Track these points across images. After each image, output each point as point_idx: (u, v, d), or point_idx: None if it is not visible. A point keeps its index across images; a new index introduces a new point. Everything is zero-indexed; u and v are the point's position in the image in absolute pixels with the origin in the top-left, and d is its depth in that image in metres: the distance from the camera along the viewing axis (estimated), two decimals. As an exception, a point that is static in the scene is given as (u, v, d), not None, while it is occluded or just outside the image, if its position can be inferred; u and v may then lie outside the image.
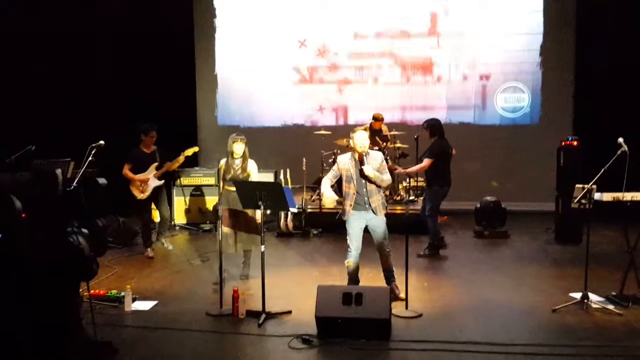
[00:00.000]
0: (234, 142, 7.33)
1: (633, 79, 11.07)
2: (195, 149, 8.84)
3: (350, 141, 6.66)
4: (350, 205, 6.59)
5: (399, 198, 10.79)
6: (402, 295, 6.56)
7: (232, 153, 7.36)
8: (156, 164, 8.73)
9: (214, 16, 13.14)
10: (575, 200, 6.54)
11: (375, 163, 6.55)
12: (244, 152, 7.38)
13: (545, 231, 10.08)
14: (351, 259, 6.75)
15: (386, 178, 6.58)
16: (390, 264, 6.79)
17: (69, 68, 11.90)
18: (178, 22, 12.63)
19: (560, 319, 6.19)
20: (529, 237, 10.06)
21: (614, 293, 6.63)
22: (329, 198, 6.72)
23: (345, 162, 6.64)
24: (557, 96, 12.29)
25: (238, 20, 13.12)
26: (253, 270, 7.41)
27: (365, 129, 10.95)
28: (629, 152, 6.38)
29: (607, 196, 6.56)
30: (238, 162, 7.37)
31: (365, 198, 6.54)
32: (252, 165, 7.46)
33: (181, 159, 8.68)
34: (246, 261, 7.63)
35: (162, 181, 8.83)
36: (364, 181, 6.52)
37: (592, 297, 6.52)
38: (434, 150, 8.66)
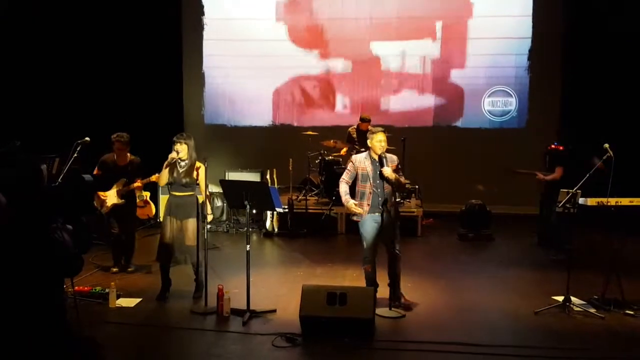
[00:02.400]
0: (174, 142, 6.76)
1: (620, 84, 11.16)
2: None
3: (369, 141, 6.58)
4: (368, 204, 6.48)
5: None
6: (408, 300, 6.58)
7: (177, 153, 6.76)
8: (124, 180, 7.82)
9: (202, 14, 13.11)
10: (560, 205, 6.60)
11: (393, 164, 6.48)
12: (189, 155, 6.81)
13: (530, 235, 10.13)
14: (369, 264, 6.60)
15: (405, 180, 6.53)
16: (400, 270, 6.63)
17: (55, 63, 11.83)
18: (166, 20, 12.59)
19: (542, 321, 6.24)
20: (513, 240, 10.13)
21: (596, 297, 6.69)
22: (352, 207, 6.54)
23: (361, 160, 6.59)
24: (544, 101, 12.36)
25: (226, 18, 13.09)
26: (238, 270, 7.34)
27: (352, 130, 11.19)
28: (614, 158, 6.48)
29: (592, 201, 6.61)
30: (183, 164, 6.79)
31: (380, 199, 6.42)
32: (200, 170, 6.83)
33: (145, 181, 7.74)
34: (198, 278, 6.93)
35: (122, 201, 7.84)
36: (379, 181, 6.43)
37: (574, 300, 6.57)
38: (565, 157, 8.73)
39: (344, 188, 6.67)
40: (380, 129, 6.62)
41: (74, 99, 11.82)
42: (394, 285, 6.62)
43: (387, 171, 6.36)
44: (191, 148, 6.84)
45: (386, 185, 6.44)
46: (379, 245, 6.58)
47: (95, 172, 7.90)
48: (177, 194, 6.84)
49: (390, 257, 6.59)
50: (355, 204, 6.51)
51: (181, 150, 6.74)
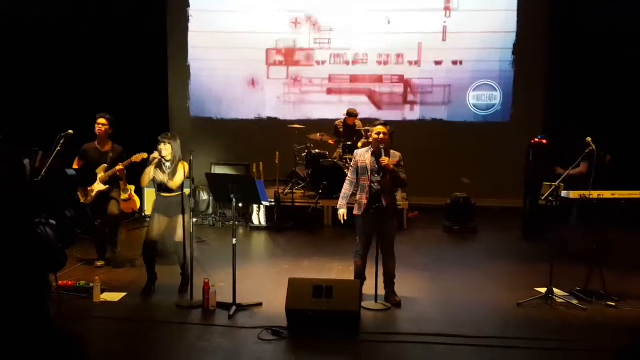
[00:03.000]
0: (159, 144, 6.65)
1: (603, 80, 11.24)
2: (144, 155, 7.46)
3: (370, 136, 6.60)
4: (366, 198, 6.45)
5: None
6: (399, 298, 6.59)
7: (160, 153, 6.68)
8: (105, 165, 7.70)
9: (188, 5, 13.04)
10: (543, 198, 6.66)
11: (394, 160, 6.43)
12: (174, 155, 6.70)
13: (514, 228, 10.20)
14: (360, 258, 6.61)
15: (404, 176, 6.44)
16: (393, 269, 6.62)
17: (38, 55, 11.73)
18: (151, 12, 12.51)
19: (525, 313, 6.32)
20: (497, 233, 10.20)
21: (578, 288, 6.77)
22: (339, 214, 6.64)
23: (362, 153, 6.57)
24: (529, 95, 12.43)
25: (212, 10, 13.04)
26: (224, 263, 7.35)
27: (338, 124, 11.21)
28: (597, 152, 6.56)
29: (574, 194, 6.68)
30: (168, 165, 6.70)
31: (379, 193, 6.40)
32: (183, 168, 6.71)
33: (126, 163, 7.61)
34: (184, 272, 6.87)
35: (107, 187, 7.72)
36: (377, 175, 6.41)
37: (557, 292, 6.64)
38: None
39: (344, 190, 6.72)
40: (381, 121, 6.61)
41: (57, 91, 11.72)
42: (388, 284, 6.62)
43: (386, 160, 6.30)
44: (176, 148, 6.73)
45: (384, 180, 6.40)
46: (372, 241, 6.59)
47: (76, 161, 7.80)
48: (165, 195, 6.78)
49: (384, 256, 6.55)
50: (343, 212, 6.61)
51: (164, 150, 6.65)
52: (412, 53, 12.70)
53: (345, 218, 6.66)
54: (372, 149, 6.52)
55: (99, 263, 7.88)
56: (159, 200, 6.85)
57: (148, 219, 10.51)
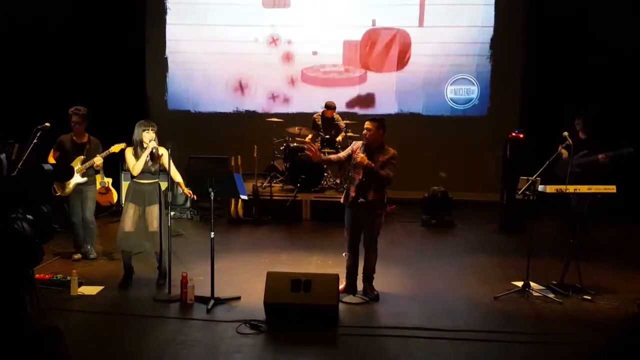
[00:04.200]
0: (144, 130, 6.67)
1: (580, 74, 11.33)
2: (122, 145, 7.35)
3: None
4: (354, 191, 6.46)
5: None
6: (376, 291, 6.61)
7: (141, 142, 6.70)
8: (82, 157, 7.59)
9: (166, -4, 12.96)
10: (520, 192, 6.72)
11: (383, 157, 6.44)
12: (152, 142, 6.70)
13: (491, 222, 10.28)
14: (347, 251, 6.67)
15: (383, 173, 6.36)
16: (373, 264, 6.63)
17: (13, 45, 11.56)
18: (128, 4, 12.38)
19: (501, 306, 6.38)
20: (474, 226, 10.27)
21: (554, 282, 6.84)
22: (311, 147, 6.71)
23: (357, 144, 6.59)
24: (506, 89, 12.52)
25: (190, 3, 12.94)
26: (202, 257, 7.28)
27: (316, 117, 11.21)
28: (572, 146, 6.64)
29: (551, 188, 6.74)
30: (141, 152, 6.70)
31: (365, 188, 6.41)
32: (164, 156, 6.72)
33: (104, 154, 7.48)
34: (161, 265, 6.88)
35: (85, 179, 7.63)
36: (360, 169, 6.41)
37: (534, 285, 6.72)
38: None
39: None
40: (370, 118, 6.62)
41: (32, 83, 11.56)
42: (366, 279, 6.65)
43: (359, 157, 6.36)
44: (157, 135, 6.76)
45: (368, 176, 6.41)
46: (358, 235, 6.61)
47: (52, 153, 7.69)
48: (141, 181, 6.74)
49: (365, 250, 6.61)
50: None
51: (152, 138, 6.67)
52: (390, 46, 12.71)
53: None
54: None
55: (76, 256, 7.83)
56: (133, 188, 6.80)
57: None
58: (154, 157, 6.71)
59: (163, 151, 6.74)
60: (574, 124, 8.39)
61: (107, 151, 7.48)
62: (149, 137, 6.66)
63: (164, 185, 6.99)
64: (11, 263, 3.93)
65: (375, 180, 6.41)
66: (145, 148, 6.68)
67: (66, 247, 8.11)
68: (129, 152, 6.75)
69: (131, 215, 6.76)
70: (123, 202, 10.32)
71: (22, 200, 3.98)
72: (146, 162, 6.69)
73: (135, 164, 6.69)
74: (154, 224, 6.72)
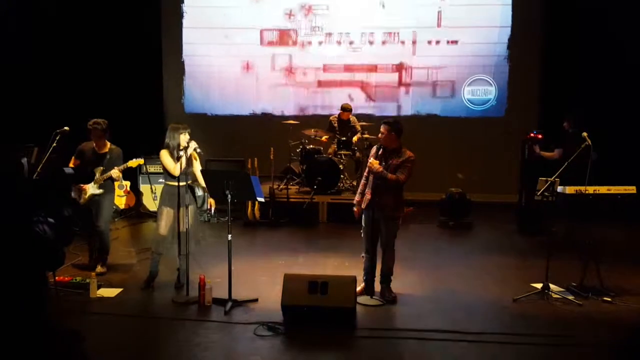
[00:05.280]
0: (180, 132, 6.75)
1: (599, 74, 11.24)
2: (140, 161, 7.61)
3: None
4: (370, 194, 6.47)
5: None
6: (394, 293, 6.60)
7: (177, 145, 6.72)
8: (101, 168, 7.45)
9: (182, 1, 12.99)
10: (539, 193, 6.67)
11: (397, 160, 6.44)
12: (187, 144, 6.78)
13: (509, 223, 10.20)
14: (365, 254, 6.68)
15: (392, 177, 6.34)
16: (390, 266, 6.62)
17: (33, 51, 11.67)
18: (145, 9, 12.46)
19: (520, 308, 6.33)
20: (492, 228, 10.20)
21: (574, 284, 6.78)
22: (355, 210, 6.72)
23: (374, 151, 6.61)
24: (524, 89, 12.43)
25: (206, 6, 13.00)
26: (219, 259, 7.27)
27: (333, 119, 11.21)
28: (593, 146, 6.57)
29: (570, 189, 6.68)
30: (182, 153, 6.71)
31: (382, 190, 6.42)
32: (196, 158, 6.91)
33: (122, 168, 7.43)
34: (181, 267, 6.83)
35: (101, 190, 7.45)
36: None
37: (553, 287, 6.66)
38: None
39: (360, 186, 6.77)
40: (385, 121, 6.62)
41: (52, 87, 11.67)
42: (383, 280, 6.64)
43: (369, 162, 6.42)
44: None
45: (380, 179, 6.40)
46: (375, 237, 6.59)
47: (72, 161, 7.56)
48: (176, 183, 6.65)
49: (382, 252, 6.62)
50: (357, 209, 6.69)
51: (188, 140, 6.77)
52: (407, 46, 12.68)
53: (359, 215, 6.70)
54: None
55: (100, 270, 7.45)
56: (170, 192, 6.78)
57: (146, 215, 10.59)
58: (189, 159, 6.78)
59: (196, 155, 6.85)
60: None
61: (124, 165, 7.45)
62: (185, 138, 6.73)
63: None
64: (31, 265, 3.96)
65: (386, 183, 6.40)
66: (182, 150, 6.69)
67: (86, 250, 7.96)
68: (166, 154, 6.75)
69: (166, 218, 6.79)
70: (149, 205, 10.47)
71: (44, 202, 4.02)
72: (183, 164, 6.71)
73: (175, 166, 6.72)
74: (186, 225, 6.72)
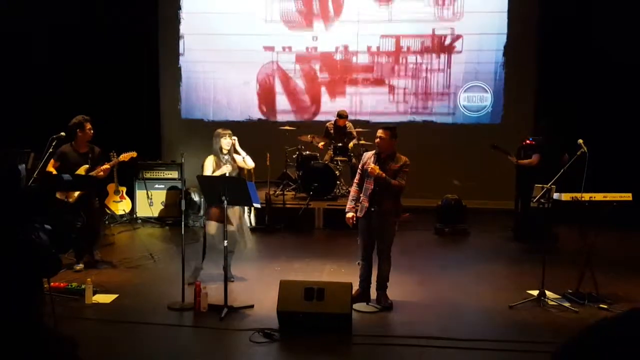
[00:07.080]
0: (222, 137, 7.14)
1: (594, 81, 11.28)
2: (133, 154, 7.73)
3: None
4: (367, 201, 6.44)
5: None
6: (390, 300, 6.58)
7: (221, 149, 7.14)
8: (86, 166, 7.47)
9: (179, 7, 13.00)
10: (535, 200, 6.67)
11: (395, 165, 6.42)
12: (231, 146, 7.22)
13: (506, 229, 10.21)
14: (361, 260, 6.63)
15: (396, 182, 6.34)
16: (386, 273, 6.58)
17: (28, 56, 11.67)
18: (142, 15, 12.46)
19: (516, 315, 6.32)
20: (488, 234, 10.20)
21: (570, 291, 6.77)
22: (347, 217, 6.65)
23: (367, 156, 6.60)
24: (519, 96, 12.45)
25: (204, 12, 13.01)
26: (213, 265, 7.29)
27: (329, 126, 11.22)
28: (588, 154, 6.57)
29: (566, 196, 6.69)
30: (227, 157, 7.14)
31: (378, 197, 6.39)
32: (246, 157, 7.31)
33: (112, 162, 7.61)
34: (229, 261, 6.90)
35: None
36: (373, 178, 6.38)
37: (549, 294, 6.66)
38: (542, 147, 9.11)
39: (352, 193, 6.75)
40: (383, 126, 6.62)
41: (47, 92, 11.66)
42: (379, 287, 6.60)
43: (370, 167, 6.36)
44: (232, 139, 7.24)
45: (380, 185, 6.38)
46: (372, 244, 6.57)
47: (51, 163, 7.36)
48: None
49: (379, 259, 6.57)
50: (352, 214, 6.61)
51: (231, 143, 7.19)
52: (403, 53, 12.72)
53: (354, 222, 6.64)
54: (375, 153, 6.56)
55: (78, 267, 7.62)
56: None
57: (139, 221, 10.56)
58: (219, 163, 7.10)
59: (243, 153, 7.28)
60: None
61: (116, 159, 7.54)
62: (226, 143, 7.12)
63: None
64: (26, 273, 3.94)
65: (388, 189, 6.39)
66: (224, 154, 7.12)
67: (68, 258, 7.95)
68: (207, 160, 7.14)
69: (216, 214, 6.97)
70: (137, 212, 10.48)
71: (40, 209, 3.99)
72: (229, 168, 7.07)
73: (215, 172, 7.02)
74: (233, 224, 6.92)
